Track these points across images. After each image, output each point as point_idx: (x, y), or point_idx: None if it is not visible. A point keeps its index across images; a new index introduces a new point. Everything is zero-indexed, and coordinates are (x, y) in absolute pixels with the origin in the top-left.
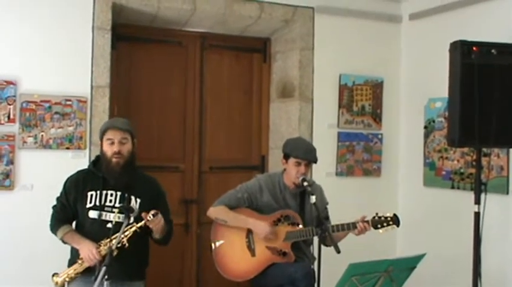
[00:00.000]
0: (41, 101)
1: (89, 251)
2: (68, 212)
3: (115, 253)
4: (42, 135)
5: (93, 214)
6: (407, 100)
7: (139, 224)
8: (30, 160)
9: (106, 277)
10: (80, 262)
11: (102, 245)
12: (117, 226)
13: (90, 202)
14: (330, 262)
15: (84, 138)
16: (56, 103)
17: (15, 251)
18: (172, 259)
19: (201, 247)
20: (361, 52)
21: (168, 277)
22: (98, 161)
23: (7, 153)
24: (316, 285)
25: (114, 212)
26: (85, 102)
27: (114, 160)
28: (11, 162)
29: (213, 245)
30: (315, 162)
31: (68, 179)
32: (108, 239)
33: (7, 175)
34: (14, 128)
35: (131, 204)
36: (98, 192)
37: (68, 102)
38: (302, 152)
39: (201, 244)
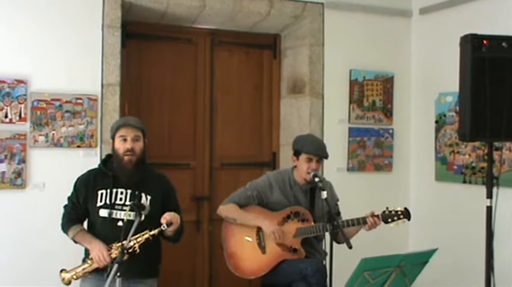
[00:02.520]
0: (52, 100)
1: (100, 253)
2: (78, 211)
3: (126, 257)
4: (53, 134)
5: (103, 213)
6: (418, 95)
7: (152, 232)
8: (42, 159)
9: (118, 274)
10: (89, 262)
11: (113, 248)
12: (128, 224)
13: (101, 201)
14: (342, 258)
15: (95, 137)
16: (66, 102)
17: (26, 250)
18: (184, 256)
19: (213, 244)
20: (372, 47)
21: (180, 274)
22: (108, 160)
23: (19, 152)
24: (327, 281)
25: (124, 210)
26: (95, 100)
27: (126, 157)
28: (22, 161)
29: (223, 243)
30: (326, 158)
31: (78, 178)
32: (120, 243)
33: (19, 174)
34: (25, 127)
35: (142, 201)
36: (108, 190)
37: (79, 101)
38: (313, 148)
39: (212, 241)
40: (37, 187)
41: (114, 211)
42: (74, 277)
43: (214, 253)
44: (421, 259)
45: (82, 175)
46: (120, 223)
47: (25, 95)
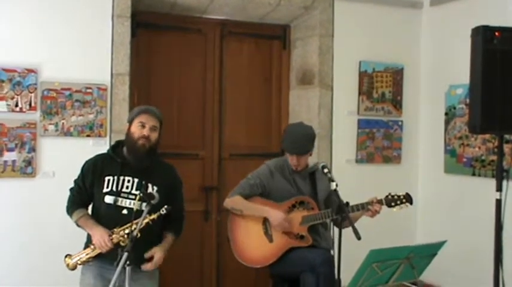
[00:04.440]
0: (62, 89)
1: (101, 238)
2: (84, 195)
3: (126, 243)
4: (63, 123)
5: (109, 199)
6: (427, 87)
7: (152, 217)
8: (52, 148)
9: (128, 262)
10: (92, 247)
11: (114, 233)
12: (136, 212)
13: (107, 187)
14: (350, 249)
15: (104, 126)
16: (76, 91)
17: (36, 238)
18: (193, 246)
19: (221, 234)
20: (382, 39)
21: (188, 263)
22: (118, 147)
23: (29, 141)
24: (336, 272)
25: (130, 198)
26: (105, 90)
27: (140, 141)
28: (32, 149)
29: (230, 234)
30: (304, 154)
31: (86, 162)
32: (121, 228)
33: (29, 163)
34: (36, 115)
35: (148, 191)
36: (115, 177)
37: (89, 90)
38: (289, 145)
39: (221, 231)
40: (47, 175)
41: (120, 199)
42: (79, 262)
43: (222, 242)
44: (430, 251)
45: (90, 159)
46: (124, 211)
47: (35, 84)
